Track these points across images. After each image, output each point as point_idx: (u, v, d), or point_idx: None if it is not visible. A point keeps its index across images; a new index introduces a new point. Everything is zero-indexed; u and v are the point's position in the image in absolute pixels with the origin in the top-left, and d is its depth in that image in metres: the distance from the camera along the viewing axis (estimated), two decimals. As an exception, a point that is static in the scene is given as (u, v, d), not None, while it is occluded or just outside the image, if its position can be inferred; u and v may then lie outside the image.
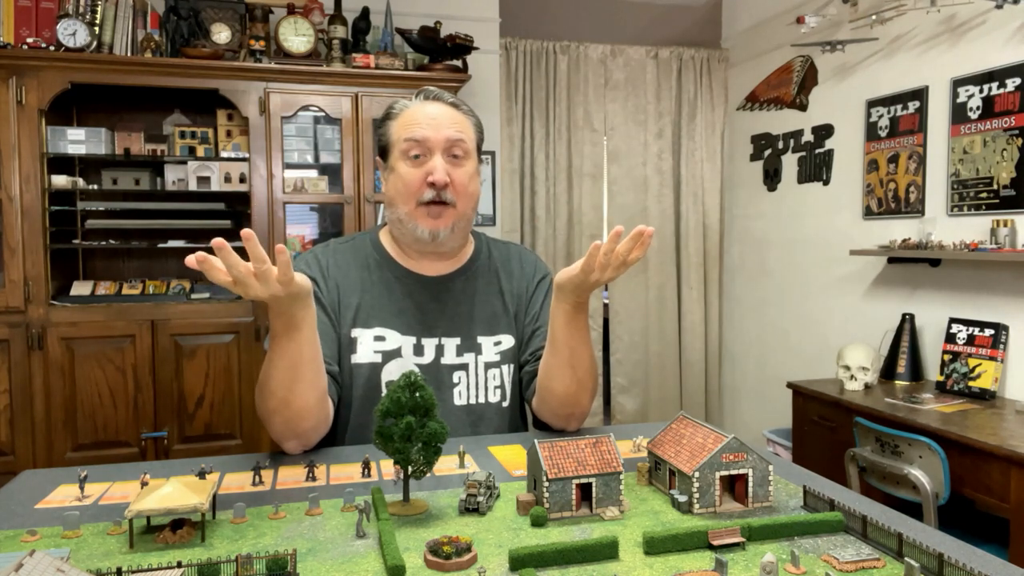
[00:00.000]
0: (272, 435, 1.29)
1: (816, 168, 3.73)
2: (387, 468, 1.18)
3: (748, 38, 4.27)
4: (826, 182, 3.67)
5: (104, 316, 2.97)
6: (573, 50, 4.23)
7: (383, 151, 1.45)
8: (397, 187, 1.39)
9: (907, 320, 3.08)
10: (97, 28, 2.93)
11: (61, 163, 3.08)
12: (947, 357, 2.83)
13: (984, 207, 2.81)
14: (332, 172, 3.28)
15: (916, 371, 3.04)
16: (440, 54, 3.35)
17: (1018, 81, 2.66)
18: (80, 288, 3.09)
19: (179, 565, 0.77)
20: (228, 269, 1.00)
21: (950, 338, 2.85)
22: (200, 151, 3.14)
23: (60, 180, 2.96)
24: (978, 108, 2.82)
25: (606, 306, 4.50)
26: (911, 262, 3.14)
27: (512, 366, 1.50)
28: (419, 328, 1.43)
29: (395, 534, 0.88)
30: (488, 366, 1.46)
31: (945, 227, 2.97)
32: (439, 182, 1.35)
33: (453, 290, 1.48)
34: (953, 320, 2.87)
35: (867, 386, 2.88)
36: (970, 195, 2.86)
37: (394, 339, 1.42)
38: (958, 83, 2.90)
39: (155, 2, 3.12)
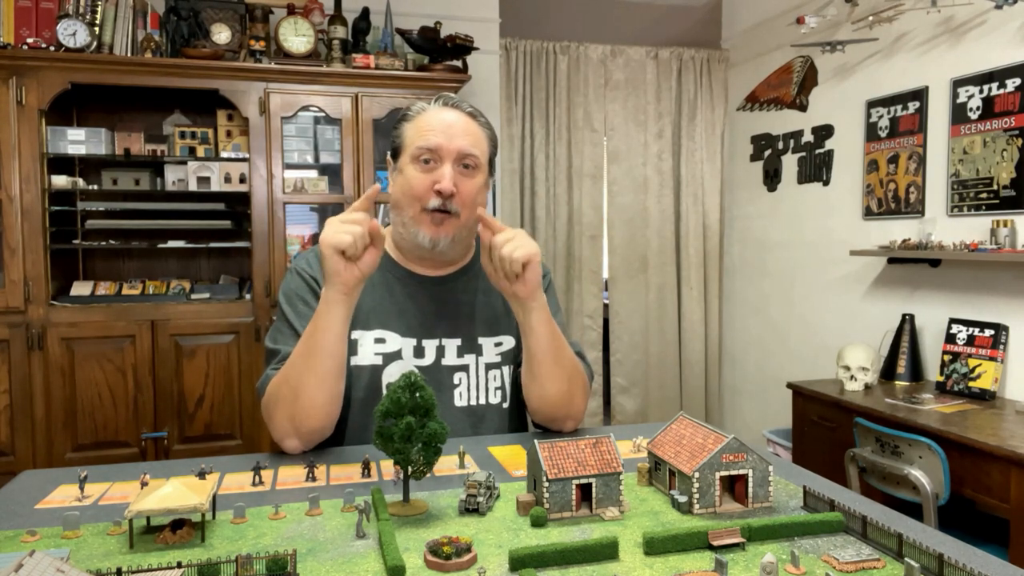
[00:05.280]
0: (273, 432, 1.29)
1: (816, 168, 3.73)
2: (387, 468, 1.18)
3: (748, 38, 4.27)
4: (826, 182, 3.67)
5: (104, 316, 2.97)
6: (573, 50, 4.23)
7: (394, 152, 1.45)
8: (404, 189, 1.39)
9: (907, 320, 3.08)
10: (97, 28, 2.93)
11: (61, 163, 3.08)
12: (947, 357, 2.83)
13: (984, 207, 2.81)
14: (332, 172, 3.28)
15: (916, 371, 3.04)
16: (440, 54, 3.35)
17: (1018, 81, 2.66)
18: (80, 288, 3.09)
19: (179, 565, 0.77)
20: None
21: (950, 338, 2.85)
22: (200, 151, 3.14)
23: (60, 180, 2.96)
24: (978, 108, 2.82)
25: (606, 306, 4.50)
26: (911, 262, 3.14)
27: (513, 367, 1.50)
28: (420, 330, 1.43)
29: (395, 534, 0.88)
30: (489, 367, 1.46)
31: (945, 227, 2.97)
32: (445, 191, 1.34)
33: (454, 291, 1.48)
34: (953, 320, 2.87)
35: (867, 386, 2.88)
36: (970, 195, 2.87)
37: (395, 341, 1.41)
38: (958, 83, 2.90)
39: (155, 2, 3.12)
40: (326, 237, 1.20)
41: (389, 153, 1.47)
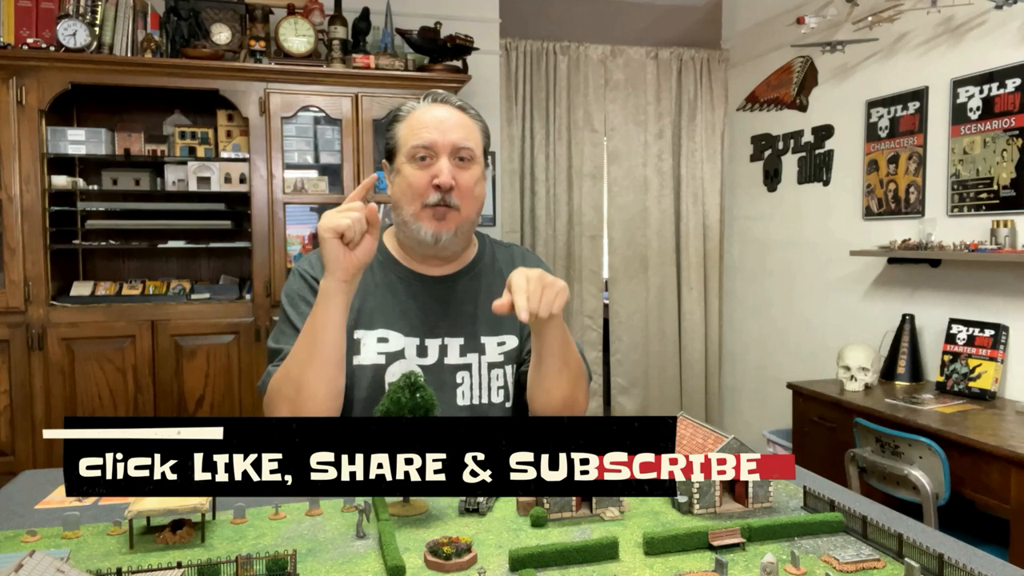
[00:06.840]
0: None
1: (816, 169, 3.73)
2: (387, 468, 1.18)
3: (748, 38, 4.27)
4: (826, 183, 3.67)
5: (104, 316, 2.97)
6: (573, 50, 4.23)
7: (389, 153, 1.45)
8: (403, 188, 1.40)
9: (907, 321, 3.08)
10: (97, 28, 2.93)
11: (61, 163, 3.07)
12: (947, 358, 2.83)
13: (984, 207, 2.81)
14: (332, 172, 3.28)
15: (916, 372, 3.04)
16: (440, 54, 3.35)
17: (1018, 81, 2.66)
18: (80, 288, 3.09)
19: (179, 565, 0.77)
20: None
21: (950, 339, 2.85)
22: (200, 151, 3.14)
23: (60, 180, 2.96)
24: (978, 109, 2.82)
25: (606, 306, 4.50)
26: (911, 263, 3.14)
27: (516, 366, 1.50)
28: (422, 329, 1.43)
29: (395, 534, 0.88)
30: (491, 366, 1.46)
31: (945, 228, 2.97)
32: (444, 184, 1.35)
33: (456, 290, 1.48)
34: (953, 320, 2.86)
35: (867, 387, 2.88)
36: (970, 195, 2.87)
37: (397, 341, 1.42)
38: (958, 84, 2.90)
39: (155, 2, 3.12)
40: (324, 222, 1.21)
41: (384, 156, 1.48)
